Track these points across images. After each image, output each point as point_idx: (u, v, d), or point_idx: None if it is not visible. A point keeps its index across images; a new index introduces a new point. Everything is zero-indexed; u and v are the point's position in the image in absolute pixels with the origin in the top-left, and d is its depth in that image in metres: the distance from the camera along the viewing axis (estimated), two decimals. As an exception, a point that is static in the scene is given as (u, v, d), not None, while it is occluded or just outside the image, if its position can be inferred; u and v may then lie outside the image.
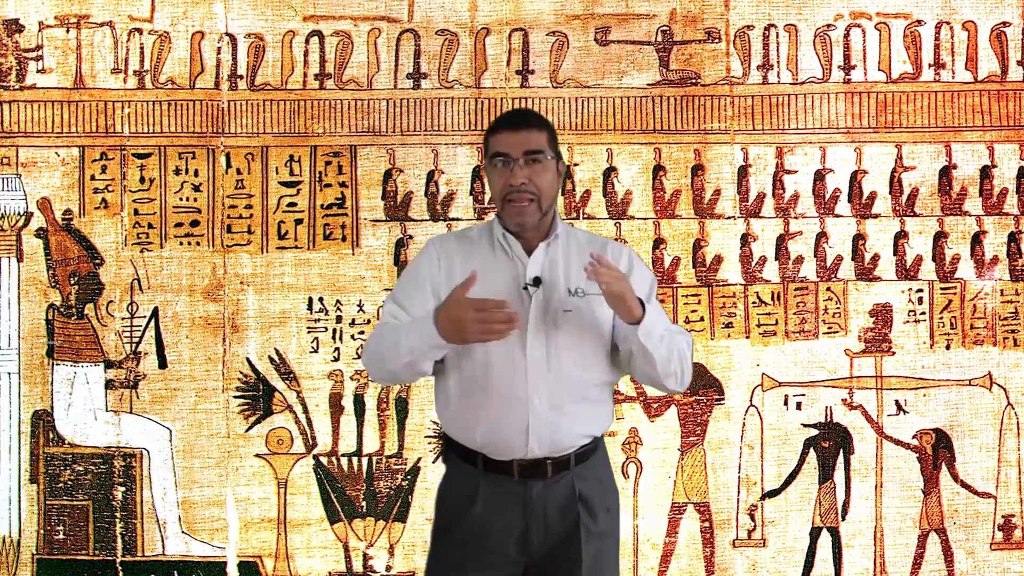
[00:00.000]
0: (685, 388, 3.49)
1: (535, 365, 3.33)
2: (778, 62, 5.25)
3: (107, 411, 5.21)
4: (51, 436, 5.19)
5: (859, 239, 5.27)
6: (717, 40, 5.25)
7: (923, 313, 5.26)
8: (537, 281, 3.36)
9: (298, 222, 5.24)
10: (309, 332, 5.24)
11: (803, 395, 5.25)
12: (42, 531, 5.21)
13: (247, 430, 5.25)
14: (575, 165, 5.23)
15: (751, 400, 5.26)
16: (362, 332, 5.24)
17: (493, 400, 3.35)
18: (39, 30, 5.21)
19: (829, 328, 5.26)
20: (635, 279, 3.42)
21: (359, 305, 5.24)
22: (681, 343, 3.41)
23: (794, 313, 5.26)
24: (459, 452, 3.46)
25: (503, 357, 3.34)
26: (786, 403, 5.25)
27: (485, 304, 3.16)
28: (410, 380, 3.45)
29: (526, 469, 3.37)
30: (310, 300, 5.23)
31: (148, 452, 5.21)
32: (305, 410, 5.26)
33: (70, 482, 5.21)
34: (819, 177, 5.28)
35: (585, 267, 3.24)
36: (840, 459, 5.26)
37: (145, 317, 5.21)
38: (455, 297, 3.22)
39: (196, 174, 5.22)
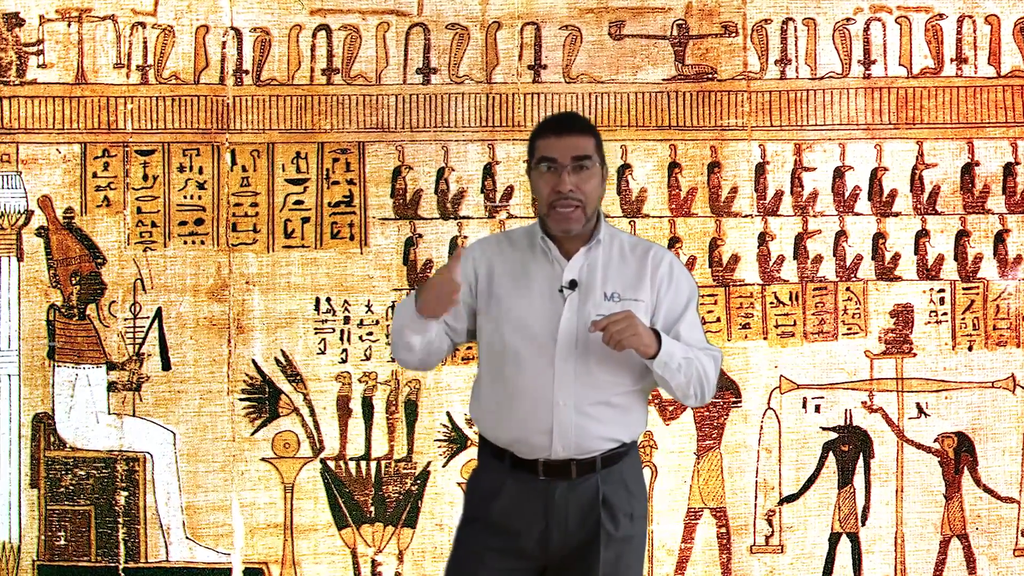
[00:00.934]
0: (707, 403, 3.56)
1: (563, 367, 3.39)
2: (796, 57, 5.24)
3: (109, 414, 5.20)
4: (52, 440, 5.19)
5: (879, 238, 5.25)
6: (734, 34, 5.24)
7: (945, 314, 5.25)
8: (573, 284, 3.41)
9: (305, 220, 5.23)
10: (316, 333, 5.22)
11: (822, 397, 5.24)
12: (43, 537, 5.19)
13: (253, 433, 5.23)
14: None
15: (769, 403, 5.24)
16: (370, 333, 5.22)
17: (520, 400, 3.42)
18: (40, 24, 5.20)
19: (848, 329, 5.24)
20: (672, 291, 3.48)
21: (367, 305, 5.22)
22: (705, 365, 3.45)
23: (813, 314, 5.24)
24: (489, 449, 3.54)
25: (533, 357, 3.41)
26: (804, 406, 5.24)
27: (443, 278, 3.30)
28: (405, 361, 3.52)
29: (551, 469, 3.42)
30: (317, 300, 5.21)
31: (151, 456, 5.20)
32: (312, 413, 5.24)
33: (71, 487, 5.19)
34: (838, 174, 5.26)
35: (588, 329, 3.33)
36: (860, 463, 5.24)
37: (148, 318, 5.20)
38: (439, 273, 3.35)
39: (200, 171, 5.21)
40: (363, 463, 5.24)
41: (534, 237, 3.51)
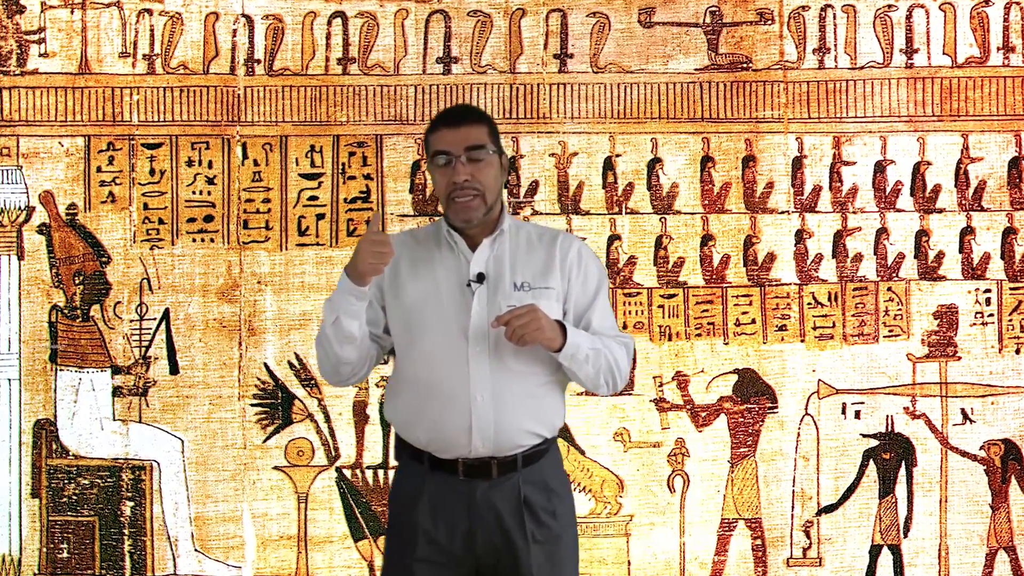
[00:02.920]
0: (619, 391, 3.65)
1: (478, 362, 3.46)
2: (835, 45, 5.23)
3: (114, 420, 5.17)
4: (54, 447, 5.16)
5: (922, 235, 5.22)
6: (770, 21, 5.22)
7: (991, 315, 5.22)
8: (481, 277, 3.50)
9: (320, 217, 5.20)
10: (331, 335, 5.10)
11: (862, 403, 5.20)
12: (45, 549, 5.16)
13: (265, 440, 5.19)
14: (617, 156, 5.21)
15: (806, 408, 5.21)
16: (388, 335, 5.12)
17: (436, 398, 3.49)
18: (42, 11, 5.17)
19: (890, 331, 5.22)
20: (582, 278, 3.58)
21: (385, 306, 5.10)
22: (616, 354, 3.55)
23: (852, 315, 5.21)
24: (408, 451, 3.59)
25: (447, 354, 3.48)
26: (844, 412, 5.21)
27: (373, 236, 3.40)
28: (346, 359, 3.53)
29: (471, 469, 3.50)
30: (332, 301, 5.11)
31: (158, 464, 5.18)
32: (327, 419, 5.20)
33: (75, 497, 5.16)
34: (879, 169, 5.23)
35: (491, 324, 3.42)
36: (902, 472, 5.22)
37: (155, 319, 5.17)
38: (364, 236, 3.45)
39: (210, 166, 5.19)
40: (380, 472, 5.21)
41: (439, 232, 3.60)
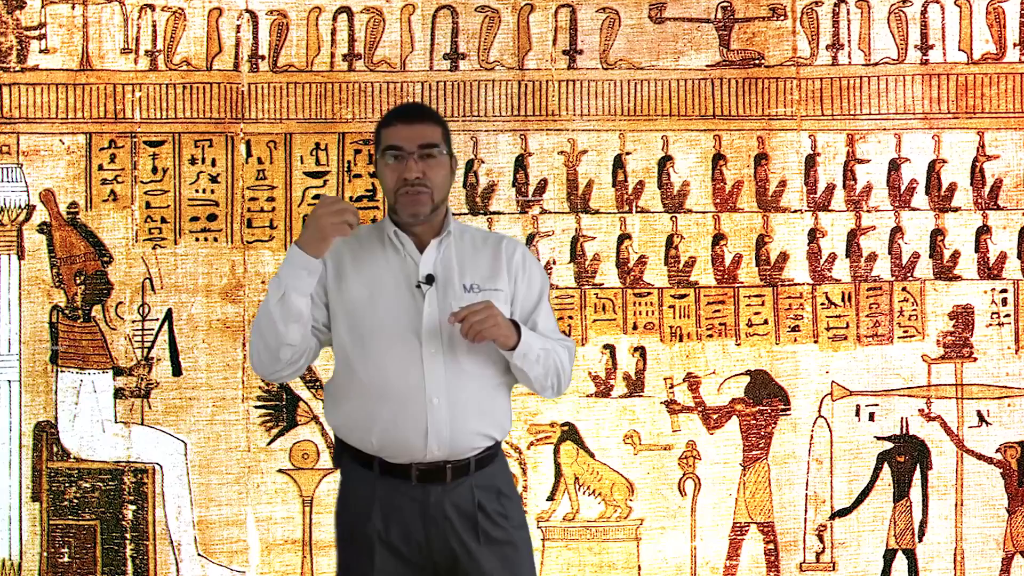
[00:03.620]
0: (562, 393, 3.70)
1: (432, 364, 3.48)
2: (849, 41, 5.22)
3: (116, 422, 5.17)
4: (55, 450, 5.16)
5: (937, 235, 5.21)
6: (782, 17, 5.21)
7: (1008, 315, 5.21)
8: (430, 279, 3.52)
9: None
10: (337, 336, 5.10)
11: (876, 405, 5.20)
12: (45, 554, 5.15)
13: (269, 443, 5.18)
14: (627, 154, 5.19)
15: (820, 410, 5.20)
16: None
17: (389, 401, 3.48)
18: (42, 6, 5.16)
19: (905, 332, 5.21)
20: (527, 280, 3.63)
21: (391, 307, 5.09)
22: (561, 356, 3.61)
23: (867, 315, 5.20)
24: (354, 456, 3.59)
25: (400, 357, 3.49)
26: (858, 414, 5.21)
27: (330, 198, 3.43)
28: (291, 341, 3.47)
29: (424, 474, 3.51)
30: (338, 301, 5.11)
31: (161, 467, 5.18)
32: None
33: (76, 500, 5.16)
34: (894, 167, 5.22)
35: (447, 320, 3.44)
36: (917, 475, 5.22)
37: (158, 320, 5.17)
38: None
39: (213, 164, 5.18)
40: None
41: (383, 232, 3.60)
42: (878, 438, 5.18)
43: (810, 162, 5.18)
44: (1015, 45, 5.18)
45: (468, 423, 3.51)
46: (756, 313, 5.16)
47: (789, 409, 5.17)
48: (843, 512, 5.18)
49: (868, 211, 5.18)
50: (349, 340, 3.52)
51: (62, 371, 5.13)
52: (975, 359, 5.17)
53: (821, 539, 5.17)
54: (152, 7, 5.14)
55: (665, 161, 5.16)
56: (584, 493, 5.07)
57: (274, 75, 5.14)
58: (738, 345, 5.11)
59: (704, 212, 5.17)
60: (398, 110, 3.66)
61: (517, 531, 3.62)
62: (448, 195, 3.60)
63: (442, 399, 3.48)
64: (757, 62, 5.17)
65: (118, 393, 5.13)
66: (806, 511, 5.17)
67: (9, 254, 5.13)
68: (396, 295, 3.50)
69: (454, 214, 3.71)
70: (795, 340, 5.17)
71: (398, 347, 3.48)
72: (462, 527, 3.52)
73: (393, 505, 3.51)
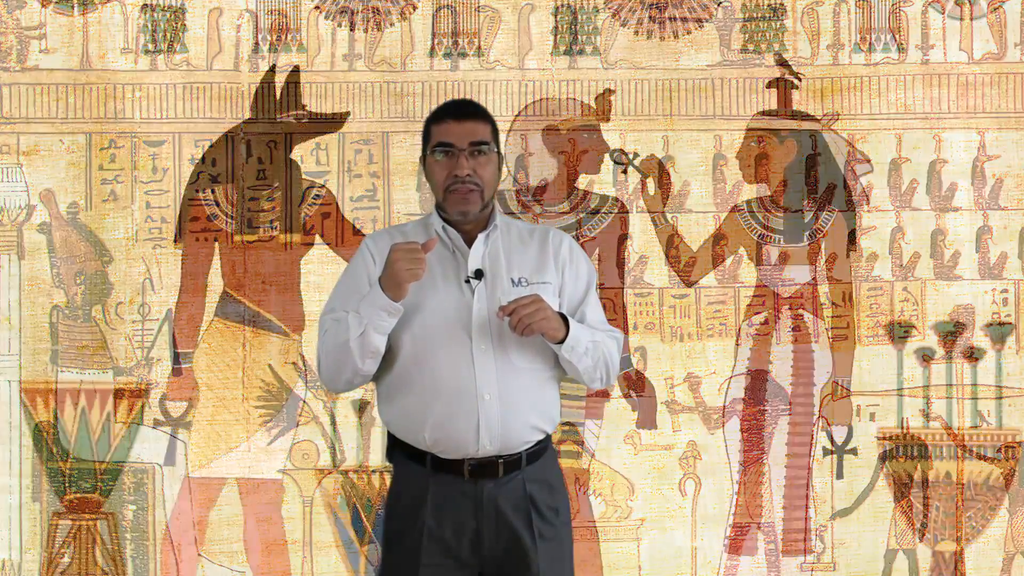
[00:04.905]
0: (611, 384, 3.74)
1: (483, 359, 3.48)
2: (849, 41, 5.22)
3: (116, 422, 5.17)
4: (55, 450, 5.17)
5: (938, 234, 5.21)
6: (783, 16, 5.22)
7: (1008, 315, 5.21)
8: (479, 274, 3.52)
9: (325, 216, 5.20)
10: (337, 336, 5.10)
11: (877, 405, 5.19)
12: (46, 554, 5.15)
13: (269, 443, 5.18)
14: (632, 155, 5.19)
15: (820, 410, 5.20)
16: (395, 336, 5.12)
17: (442, 397, 3.48)
18: (42, 6, 5.16)
19: (905, 332, 5.20)
20: (574, 272, 3.63)
21: (391, 306, 5.09)
22: (609, 348, 3.61)
23: (867, 315, 5.21)
24: (406, 452, 3.58)
25: (451, 353, 3.48)
26: (858, 414, 5.20)
27: (404, 244, 3.43)
28: (366, 372, 3.54)
29: (477, 468, 3.50)
30: (338, 301, 5.12)
31: (161, 467, 5.19)
32: (333, 421, 5.20)
33: (76, 500, 5.16)
34: (894, 167, 5.22)
35: (496, 314, 3.44)
36: (917, 475, 5.21)
37: (158, 320, 5.18)
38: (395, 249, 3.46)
39: (214, 163, 5.19)
40: (388, 475, 5.15)
41: (429, 228, 3.61)
42: (879, 438, 5.18)
43: (811, 162, 5.19)
44: (1016, 45, 5.18)
45: (519, 417, 3.51)
46: (757, 313, 5.17)
47: (790, 409, 5.18)
48: (844, 512, 5.17)
49: (868, 211, 5.19)
50: (400, 337, 3.50)
51: (62, 371, 5.13)
52: (975, 359, 5.17)
53: (822, 539, 5.17)
54: (152, 7, 5.14)
55: (666, 161, 5.17)
56: (584, 493, 5.08)
57: (274, 75, 5.14)
58: (738, 345, 5.12)
59: (704, 212, 5.18)
60: (449, 106, 3.67)
61: (564, 527, 3.62)
62: (495, 192, 3.60)
63: (493, 394, 3.46)
64: (758, 62, 5.19)
65: (118, 393, 5.14)
66: (806, 511, 5.18)
67: (9, 254, 5.14)
68: (446, 291, 3.50)
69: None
70: (795, 340, 5.18)
71: (449, 343, 3.48)
72: (514, 522, 3.51)
73: (446, 500, 3.51)
